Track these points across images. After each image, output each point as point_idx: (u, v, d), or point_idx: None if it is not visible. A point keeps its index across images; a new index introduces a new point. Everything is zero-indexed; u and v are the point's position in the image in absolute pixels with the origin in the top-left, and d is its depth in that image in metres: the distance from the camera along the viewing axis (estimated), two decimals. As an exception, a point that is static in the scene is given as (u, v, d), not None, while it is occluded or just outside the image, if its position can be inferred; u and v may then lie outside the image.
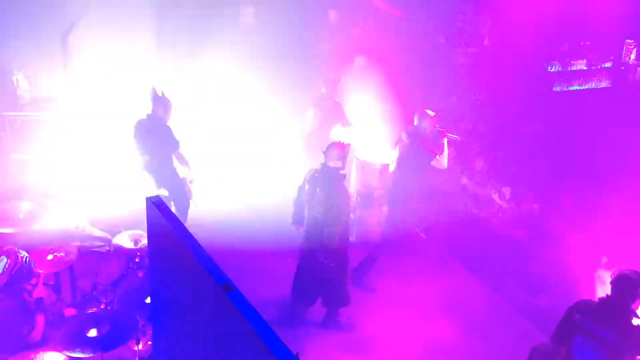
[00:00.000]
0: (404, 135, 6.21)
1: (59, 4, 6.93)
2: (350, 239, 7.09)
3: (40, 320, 4.21)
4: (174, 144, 6.22)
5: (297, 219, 5.50)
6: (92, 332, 4.03)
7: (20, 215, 5.64)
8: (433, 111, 6.21)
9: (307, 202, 5.27)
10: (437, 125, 6.19)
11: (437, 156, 6.10)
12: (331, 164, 5.12)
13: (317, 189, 5.17)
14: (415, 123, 6.19)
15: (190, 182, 6.34)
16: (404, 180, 6.22)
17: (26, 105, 6.57)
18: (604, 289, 4.56)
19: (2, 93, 6.75)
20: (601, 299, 4.07)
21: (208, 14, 8.25)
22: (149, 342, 4.36)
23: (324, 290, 5.44)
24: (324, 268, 5.23)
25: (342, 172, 5.16)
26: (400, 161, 6.28)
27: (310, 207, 5.24)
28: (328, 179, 5.13)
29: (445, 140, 6.20)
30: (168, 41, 7.98)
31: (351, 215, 7.13)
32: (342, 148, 5.13)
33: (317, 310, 5.63)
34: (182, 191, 6.32)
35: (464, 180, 7.72)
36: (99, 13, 7.31)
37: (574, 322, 4.09)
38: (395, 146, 6.38)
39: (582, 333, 4.05)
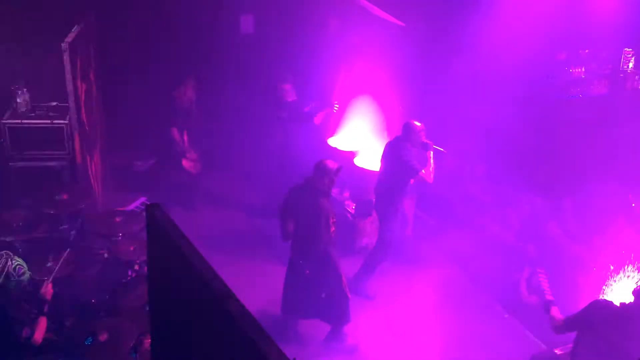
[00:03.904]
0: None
1: (58, 9, 6.97)
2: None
3: (42, 322, 4.18)
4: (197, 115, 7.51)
5: (285, 234, 5.47)
6: (90, 341, 4.02)
7: (20, 223, 5.65)
8: (420, 122, 6.05)
9: (292, 215, 5.31)
10: (424, 138, 6.01)
11: (423, 170, 5.93)
12: (315, 179, 5.18)
13: (301, 202, 5.23)
14: (402, 134, 6.04)
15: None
16: (389, 191, 6.15)
17: (26, 113, 6.57)
18: (613, 298, 4.53)
19: (1, 100, 6.75)
20: (623, 305, 4.03)
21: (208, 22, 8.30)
22: (148, 352, 4.33)
23: (313, 303, 5.42)
24: (305, 277, 5.24)
25: (327, 188, 5.19)
26: (383, 172, 6.22)
27: (295, 221, 5.30)
28: (311, 193, 5.17)
29: (431, 153, 6.03)
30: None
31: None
32: (330, 166, 5.17)
33: (321, 326, 5.61)
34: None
35: (466, 187, 7.71)
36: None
37: (591, 320, 4.04)
38: (380, 157, 6.31)
39: (596, 333, 3.99)
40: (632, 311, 3.95)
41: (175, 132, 7.52)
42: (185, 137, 7.61)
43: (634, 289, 3.99)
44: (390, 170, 6.10)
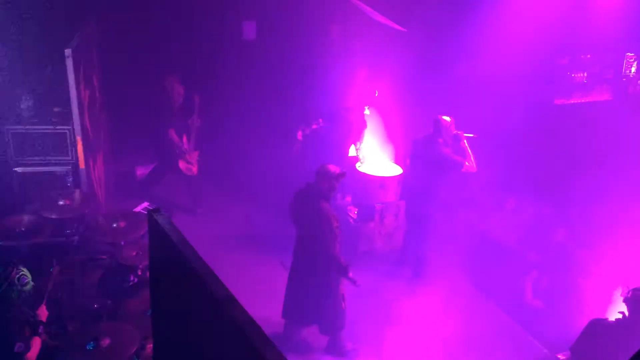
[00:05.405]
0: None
1: (61, 15, 7.01)
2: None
3: (36, 343, 4.16)
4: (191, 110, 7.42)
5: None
6: (93, 346, 4.02)
7: (23, 228, 5.65)
8: (449, 116, 6.18)
9: (295, 219, 5.33)
10: (454, 129, 6.15)
11: (466, 162, 6.07)
12: (316, 183, 5.20)
13: (303, 206, 5.25)
14: (433, 131, 6.15)
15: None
16: (426, 189, 6.16)
17: (30, 119, 6.60)
18: (614, 307, 4.50)
19: (4, 107, 6.79)
20: (618, 320, 4.00)
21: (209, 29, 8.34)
22: (150, 357, 4.33)
23: (313, 310, 5.42)
24: (307, 282, 5.25)
25: (327, 192, 5.21)
26: (415, 172, 6.25)
27: (298, 225, 5.32)
28: (312, 197, 5.18)
29: (465, 142, 6.16)
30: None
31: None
32: (331, 170, 5.19)
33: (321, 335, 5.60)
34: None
35: (468, 191, 7.70)
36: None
37: (595, 349, 4.00)
38: (408, 158, 6.38)
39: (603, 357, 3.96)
40: (628, 323, 3.92)
41: (173, 134, 7.40)
42: (185, 139, 7.55)
43: (624, 298, 3.96)
44: (427, 169, 6.13)
